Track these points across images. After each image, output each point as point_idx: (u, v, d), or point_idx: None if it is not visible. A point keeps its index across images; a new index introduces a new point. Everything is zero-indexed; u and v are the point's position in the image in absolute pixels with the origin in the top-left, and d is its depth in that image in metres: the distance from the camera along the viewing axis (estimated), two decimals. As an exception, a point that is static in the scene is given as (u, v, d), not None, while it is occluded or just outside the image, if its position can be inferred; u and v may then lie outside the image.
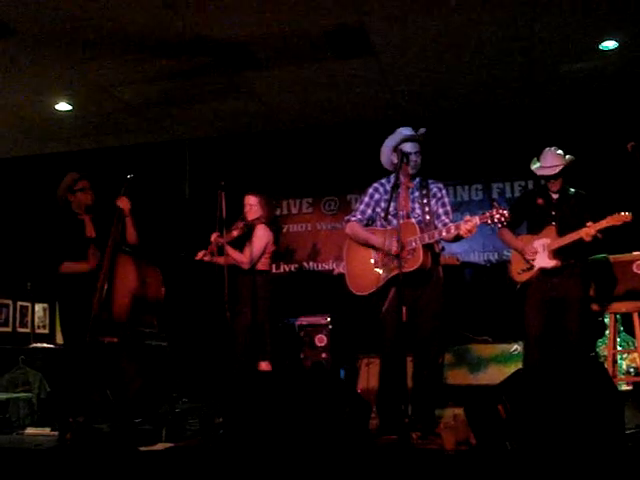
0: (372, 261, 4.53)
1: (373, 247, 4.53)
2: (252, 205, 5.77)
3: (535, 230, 5.00)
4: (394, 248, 4.27)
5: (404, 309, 4.01)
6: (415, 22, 5.56)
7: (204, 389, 6.34)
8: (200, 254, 5.86)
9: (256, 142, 8.02)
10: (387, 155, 4.64)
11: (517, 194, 7.25)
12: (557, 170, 4.91)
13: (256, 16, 5.43)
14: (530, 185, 7.10)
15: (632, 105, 6.84)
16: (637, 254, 5.30)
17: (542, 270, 4.86)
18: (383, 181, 4.69)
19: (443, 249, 4.63)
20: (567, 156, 4.96)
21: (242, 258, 5.63)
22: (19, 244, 7.81)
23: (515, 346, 5.92)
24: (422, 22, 5.56)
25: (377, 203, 4.64)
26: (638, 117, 6.59)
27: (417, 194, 4.56)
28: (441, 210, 4.57)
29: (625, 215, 4.59)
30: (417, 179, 4.61)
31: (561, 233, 4.83)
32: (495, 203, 4.18)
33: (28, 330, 8.01)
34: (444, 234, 4.31)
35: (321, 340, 6.80)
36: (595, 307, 5.42)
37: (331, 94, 6.99)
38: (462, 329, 6.31)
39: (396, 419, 4.19)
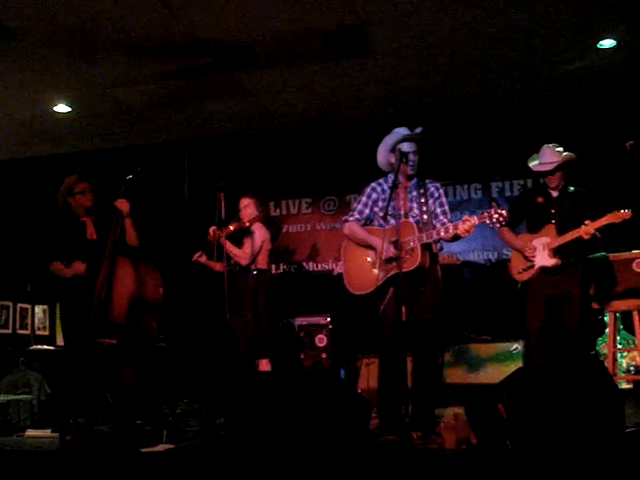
0: (370, 260, 4.53)
1: (371, 247, 4.52)
2: (247, 206, 5.89)
3: (535, 229, 5.00)
4: (391, 252, 4.28)
5: (403, 308, 4.02)
6: (413, 23, 5.56)
7: (204, 390, 6.35)
8: (196, 255, 5.90)
9: (255, 143, 8.03)
10: (384, 156, 4.63)
11: (516, 193, 7.25)
12: (553, 167, 4.91)
13: (255, 17, 5.43)
14: (529, 184, 7.11)
15: (631, 103, 6.84)
16: (637, 252, 5.31)
17: (542, 269, 4.86)
18: (381, 181, 4.69)
19: (442, 249, 4.63)
20: (565, 153, 4.95)
21: (241, 253, 5.75)
22: (19, 246, 7.81)
23: (515, 345, 5.92)
24: (420, 23, 5.56)
25: (375, 203, 4.64)
26: (637, 115, 6.60)
27: (415, 194, 4.56)
28: (439, 210, 4.57)
29: (624, 213, 4.60)
30: (415, 179, 4.61)
31: (560, 231, 4.83)
32: (494, 203, 4.18)
33: (28, 332, 8.00)
34: (442, 234, 4.31)
35: (321, 340, 6.80)
36: (595, 305, 5.43)
37: (330, 95, 6.99)
38: (462, 328, 6.32)
39: (396, 419, 4.20)
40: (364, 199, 4.68)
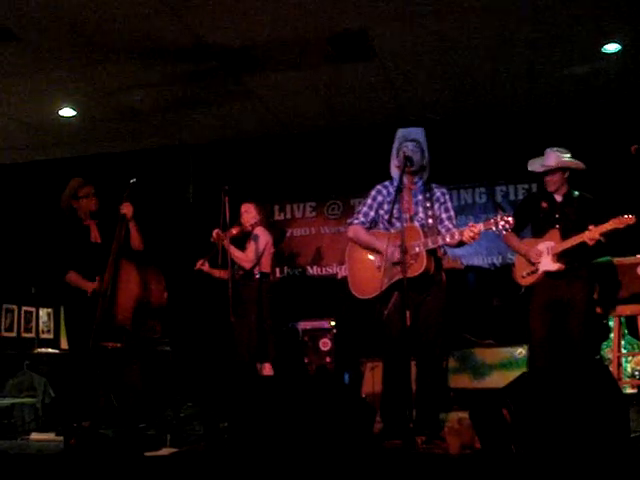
0: (375, 264, 4.52)
1: (376, 251, 4.52)
2: (247, 212, 5.90)
3: (539, 233, 4.99)
4: (396, 257, 4.27)
5: (408, 313, 4.02)
6: (417, 26, 5.57)
7: (208, 394, 6.35)
8: (198, 264, 5.92)
9: (260, 146, 8.03)
10: (391, 160, 4.64)
11: (521, 197, 7.23)
12: (542, 169, 4.90)
13: (259, 21, 5.44)
14: (534, 188, 7.09)
15: (636, 108, 6.83)
16: (642, 257, 5.30)
17: (546, 273, 4.85)
18: (387, 183, 4.67)
19: (445, 253, 4.63)
20: (567, 158, 4.91)
21: (244, 257, 5.77)
22: (23, 250, 7.83)
23: (520, 350, 5.91)
24: (424, 26, 5.57)
25: (380, 205, 4.62)
26: (641, 120, 6.59)
27: (420, 198, 4.55)
28: (444, 215, 4.55)
29: (628, 218, 4.58)
30: (420, 182, 4.61)
31: (565, 236, 4.82)
32: (500, 210, 4.18)
33: (33, 335, 8.01)
34: (448, 240, 4.31)
35: (325, 344, 6.80)
36: (599, 310, 5.41)
37: (334, 98, 7.00)
38: (466, 333, 6.31)
39: (400, 423, 4.19)
40: (369, 201, 4.67)
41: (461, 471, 3.45)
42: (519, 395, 3.35)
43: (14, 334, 7.87)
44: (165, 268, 4.98)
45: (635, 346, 5.77)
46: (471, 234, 4.16)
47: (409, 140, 4.52)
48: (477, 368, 6.03)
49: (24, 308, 8.01)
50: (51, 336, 8.18)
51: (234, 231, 5.66)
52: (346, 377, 6.58)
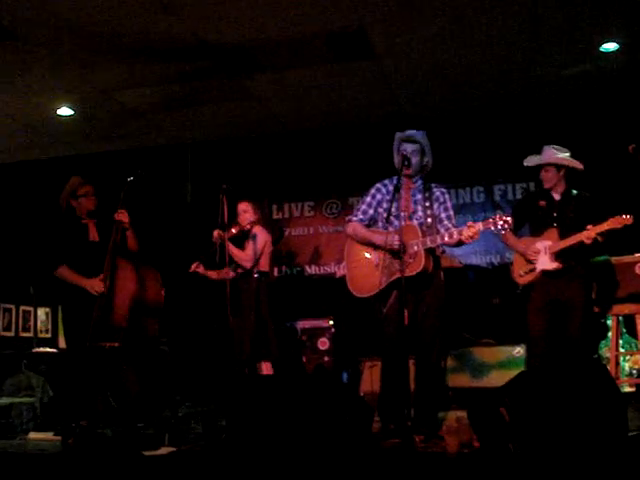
0: (374, 263, 4.52)
1: (374, 245, 4.51)
2: (245, 211, 5.88)
3: (537, 232, 4.99)
4: (396, 244, 4.24)
5: (406, 312, 4.02)
6: (416, 25, 5.57)
7: (207, 393, 6.34)
8: (193, 266, 5.92)
9: (258, 145, 8.03)
10: (394, 157, 4.64)
11: (519, 196, 7.24)
12: (533, 164, 4.91)
13: (258, 19, 5.44)
14: (532, 187, 7.10)
15: (633, 107, 6.83)
16: (639, 256, 5.30)
17: (544, 272, 4.84)
18: (386, 182, 4.67)
19: (444, 252, 4.63)
20: (564, 155, 4.91)
21: (244, 256, 5.76)
22: (22, 248, 7.82)
23: (518, 349, 5.91)
24: (422, 25, 5.57)
25: (379, 203, 4.62)
26: (639, 119, 6.59)
27: (419, 197, 4.56)
28: (443, 214, 4.55)
29: (626, 218, 4.58)
30: (419, 181, 4.61)
31: (562, 235, 4.81)
32: (498, 210, 4.19)
33: (31, 334, 8.01)
34: (447, 239, 4.31)
35: (323, 343, 6.80)
36: (597, 309, 5.42)
37: (333, 97, 7.00)
38: (465, 331, 6.31)
39: (399, 422, 4.19)
40: (368, 199, 4.67)
41: (459, 470, 3.45)
42: (517, 394, 3.35)
43: (12, 333, 7.88)
44: (163, 267, 4.98)
45: (633, 345, 5.77)
46: (470, 233, 4.16)
47: (409, 141, 4.53)
48: (475, 367, 6.04)
49: (22, 307, 8.01)
50: (49, 335, 8.18)
51: (234, 230, 5.66)
52: (344, 376, 6.58)
